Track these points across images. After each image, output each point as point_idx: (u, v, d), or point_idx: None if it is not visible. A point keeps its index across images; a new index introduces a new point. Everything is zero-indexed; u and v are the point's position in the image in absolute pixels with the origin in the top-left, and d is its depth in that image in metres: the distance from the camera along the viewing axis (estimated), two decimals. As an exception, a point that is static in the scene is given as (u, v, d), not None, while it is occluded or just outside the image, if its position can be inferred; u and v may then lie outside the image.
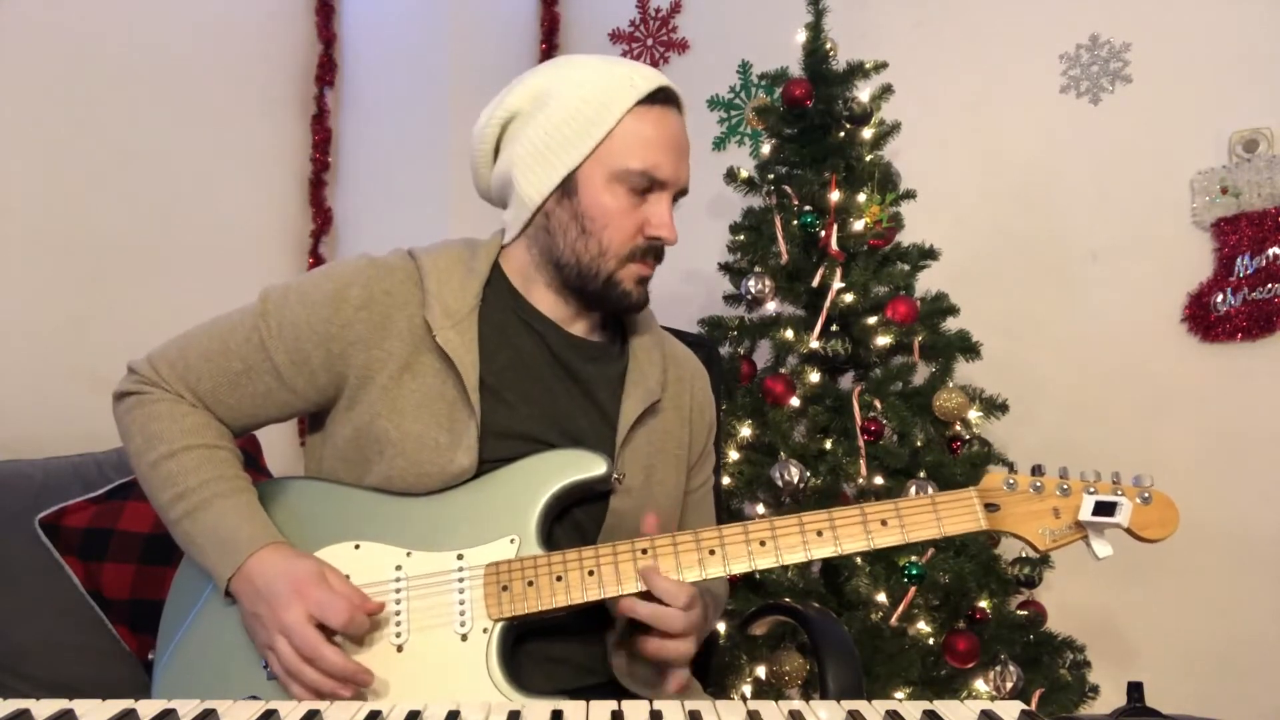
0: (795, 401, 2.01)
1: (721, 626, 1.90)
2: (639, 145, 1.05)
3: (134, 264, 2.21)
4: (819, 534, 0.99)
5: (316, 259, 2.71)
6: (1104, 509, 0.95)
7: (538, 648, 1.05)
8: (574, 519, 1.09)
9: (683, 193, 1.12)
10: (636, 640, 1.02)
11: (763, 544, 0.99)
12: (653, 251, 1.10)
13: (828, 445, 1.99)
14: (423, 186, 2.69)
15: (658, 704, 0.79)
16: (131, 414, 1.08)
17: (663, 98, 1.07)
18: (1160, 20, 2.29)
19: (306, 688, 0.94)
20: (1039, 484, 0.99)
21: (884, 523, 0.98)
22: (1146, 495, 0.97)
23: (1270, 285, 2.13)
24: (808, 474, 1.93)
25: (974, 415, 2.03)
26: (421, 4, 2.74)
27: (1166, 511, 0.96)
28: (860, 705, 0.78)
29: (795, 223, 2.12)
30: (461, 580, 1.00)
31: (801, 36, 2.23)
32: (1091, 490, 0.97)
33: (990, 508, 0.99)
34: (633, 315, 1.19)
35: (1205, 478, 2.18)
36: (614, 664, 1.09)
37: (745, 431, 2.05)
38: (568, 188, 1.07)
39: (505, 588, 0.99)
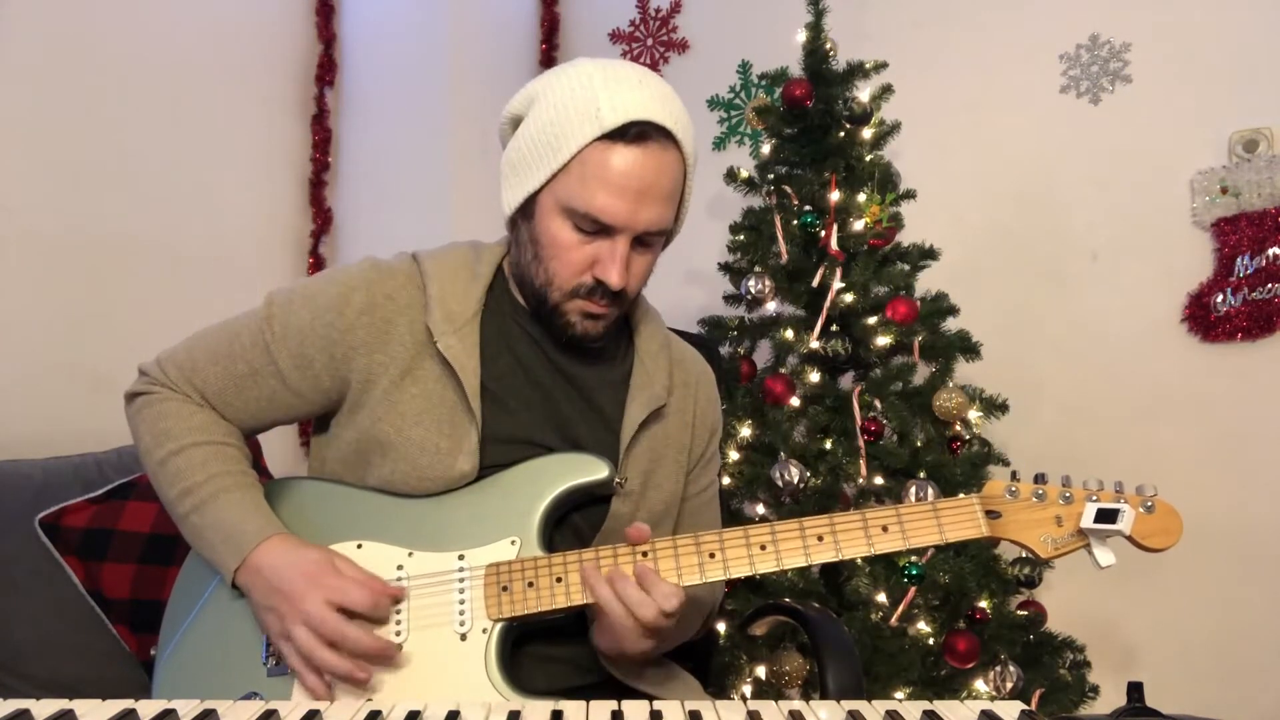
0: (795, 401, 2.02)
1: (721, 626, 1.90)
2: (591, 184, 0.98)
3: (134, 264, 2.21)
4: (820, 539, 0.98)
5: (316, 259, 2.71)
6: (1106, 516, 0.93)
7: (537, 648, 1.05)
8: (571, 523, 1.09)
9: (660, 235, 1.05)
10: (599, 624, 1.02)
11: (763, 548, 0.99)
12: (601, 290, 1.03)
13: (828, 445, 1.99)
14: (423, 186, 2.69)
15: (658, 704, 0.79)
16: (141, 413, 1.09)
17: (635, 133, 0.98)
18: (1160, 20, 2.29)
19: (325, 671, 0.94)
20: (1041, 491, 0.98)
21: (885, 529, 0.98)
22: (1150, 504, 0.95)
23: (1270, 285, 2.13)
24: (808, 474, 1.93)
25: (974, 415, 2.03)
26: (421, 4, 2.73)
27: (1169, 520, 0.95)
28: (860, 705, 0.78)
29: (795, 223, 2.12)
30: (462, 580, 1.00)
31: (801, 36, 2.22)
32: (1094, 498, 0.96)
33: (992, 514, 0.99)
34: (638, 316, 1.19)
35: (1205, 478, 2.19)
36: (602, 658, 1.08)
37: (745, 431, 2.06)
38: (526, 210, 1.06)
39: (505, 588, 0.99)
